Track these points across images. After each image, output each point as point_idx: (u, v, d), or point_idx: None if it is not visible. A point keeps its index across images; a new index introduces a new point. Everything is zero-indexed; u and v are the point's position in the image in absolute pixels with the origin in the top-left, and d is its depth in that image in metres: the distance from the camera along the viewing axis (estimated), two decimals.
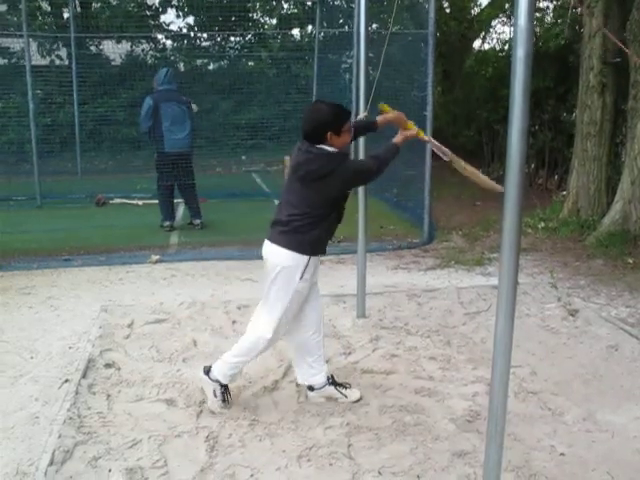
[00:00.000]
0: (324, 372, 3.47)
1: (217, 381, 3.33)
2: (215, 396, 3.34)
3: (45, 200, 9.66)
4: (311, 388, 3.47)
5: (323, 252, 3.29)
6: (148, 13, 14.79)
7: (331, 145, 3.12)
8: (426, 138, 3.54)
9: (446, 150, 3.45)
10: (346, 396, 3.46)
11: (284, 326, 3.28)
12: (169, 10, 14.94)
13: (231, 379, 3.37)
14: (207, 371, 3.37)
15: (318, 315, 3.43)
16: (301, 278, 3.17)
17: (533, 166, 10.99)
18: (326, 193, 3.12)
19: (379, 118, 3.52)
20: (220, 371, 3.34)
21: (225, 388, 3.35)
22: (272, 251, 3.21)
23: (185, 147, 7.66)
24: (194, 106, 7.81)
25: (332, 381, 3.48)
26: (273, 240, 3.21)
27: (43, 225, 7.97)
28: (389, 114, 3.52)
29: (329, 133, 3.08)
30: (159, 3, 14.90)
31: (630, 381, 3.71)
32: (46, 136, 11.66)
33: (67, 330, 4.55)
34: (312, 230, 3.15)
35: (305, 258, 3.16)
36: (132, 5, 14.49)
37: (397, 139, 3.37)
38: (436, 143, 3.51)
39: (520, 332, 4.26)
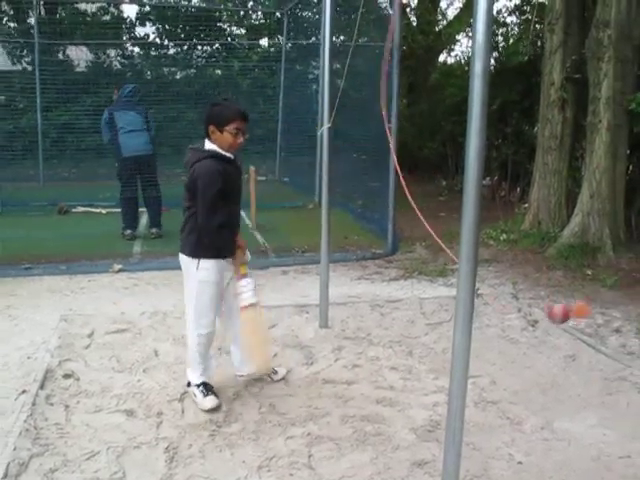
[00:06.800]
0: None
1: (190, 384, 3.51)
2: (195, 396, 3.47)
3: (5, 207, 9.52)
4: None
5: (215, 257, 3.32)
6: (124, 27, 14.76)
7: (214, 141, 3.28)
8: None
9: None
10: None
11: (205, 316, 3.40)
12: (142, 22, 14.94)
13: (200, 377, 3.49)
14: (188, 383, 3.57)
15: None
16: (197, 268, 3.29)
17: (496, 178, 11.17)
18: (197, 192, 3.21)
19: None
20: (188, 375, 3.54)
21: (202, 385, 3.48)
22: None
23: (145, 150, 7.60)
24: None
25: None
26: None
27: (2, 233, 7.81)
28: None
29: (211, 126, 3.25)
30: (135, 17, 14.87)
31: (587, 390, 3.77)
32: (7, 143, 11.48)
33: (25, 340, 4.46)
34: (193, 232, 3.30)
35: (194, 260, 3.31)
36: (107, 17, 14.45)
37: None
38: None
39: (481, 342, 4.32)
